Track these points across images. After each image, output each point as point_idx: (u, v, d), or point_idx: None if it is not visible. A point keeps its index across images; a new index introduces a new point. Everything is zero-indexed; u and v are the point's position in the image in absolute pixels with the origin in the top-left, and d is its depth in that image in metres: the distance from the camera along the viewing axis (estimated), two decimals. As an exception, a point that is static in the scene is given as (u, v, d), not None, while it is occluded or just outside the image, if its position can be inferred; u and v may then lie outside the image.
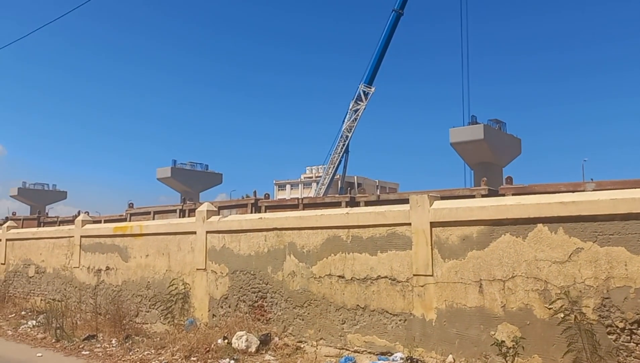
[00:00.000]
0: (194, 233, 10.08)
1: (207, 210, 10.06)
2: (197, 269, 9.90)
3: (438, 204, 7.10)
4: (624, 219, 5.53)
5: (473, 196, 9.08)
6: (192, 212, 13.72)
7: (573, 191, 6.68)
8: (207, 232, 9.85)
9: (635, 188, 6.15)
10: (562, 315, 5.72)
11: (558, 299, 5.80)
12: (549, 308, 5.89)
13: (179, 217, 14.91)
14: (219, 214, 10.28)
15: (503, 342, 6.01)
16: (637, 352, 5.34)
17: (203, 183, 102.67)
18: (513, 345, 5.91)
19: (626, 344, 5.41)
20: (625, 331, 5.43)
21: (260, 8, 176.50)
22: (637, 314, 5.36)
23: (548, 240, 6.01)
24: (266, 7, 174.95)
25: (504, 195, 8.60)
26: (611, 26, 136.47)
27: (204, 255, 9.81)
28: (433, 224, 6.99)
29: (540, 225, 6.08)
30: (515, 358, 5.91)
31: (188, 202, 17.58)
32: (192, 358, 7.94)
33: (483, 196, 9.04)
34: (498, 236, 6.40)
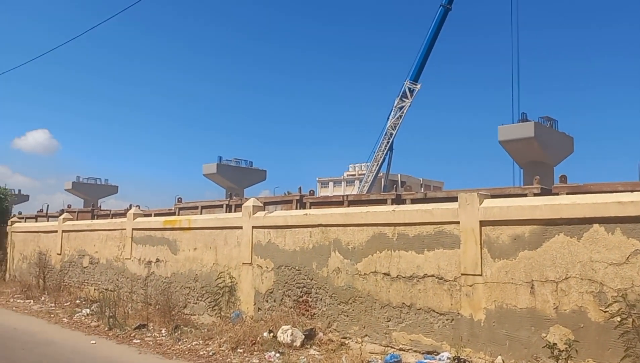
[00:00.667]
0: (240, 227, 10.22)
1: (253, 206, 10.19)
2: (243, 263, 10.04)
3: (488, 202, 6.96)
4: (687, 220, 5.28)
5: (525, 195, 8.85)
6: (238, 207, 13.92)
7: (631, 191, 6.41)
8: (253, 227, 9.96)
9: (700, 188, 5.86)
10: (618, 319, 5.52)
11: (614, 302, 5.60)
12: (605, 312, 5.69)
13: (226, 212, 15.14)
14: (264, 210, 10.39)
15: (555, 344, 5.85)
16: (701, 360, 5.10)
17: (247, 179, 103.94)
18: (566, 348, 5.74)
19: (688, 351, 5.17)
20: (688, 338, 5.19)
21: (303, 14, 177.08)
22: (701, 320, 5.11)
23: (604, 240, 5.80)
24: (309, 13, 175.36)
25: (557, 194, 8.34)
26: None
27: (250, 249, 9.93)
28: (483, 223, 6.85)
29: (596, 225, 5.88)
30: (568, 361, 5.73)
31: (234, 197, 17.84)
32: (239, 350, 8.07)
33: (535, 194, 8.79)
34: (551, 236, 6.22)
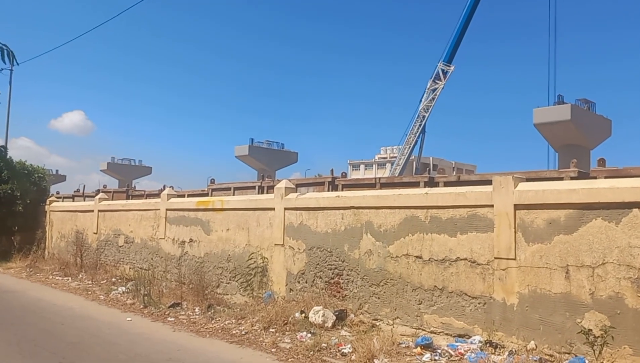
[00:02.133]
0: (273, 209, 10.30)
1: (285, 187, 10.24)
2: (275, 244, 10.14)
3: (523, 186, 6.84)
4: None
5: (561, 179, 8.66)
6: (270, 189, 14.01)
7: (674, 175, 6.22)
8: (285, 209, 10.03)
9: None
10: (657, 306, 5.38)
11: (653, 289, 5.47)
12: (643, 298, 5.56)
13: (258, 193, 15.25)
14: (296, 192, 10.44)
15: (590, 330, 5.76)
16: None
17: (279, 161, 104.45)
18: (602, 334, 5.64)
19: None
20: None
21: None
22: None
23: (644, 226, 5.64)
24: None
25: (595, 178, 8.14)
26: None
27: (282, 230, 10.01)
28: (517, 207, 6.75)
29: (635, 210, 5.73)
30: (604, 348, 5.64)
31: (266, 179, 17.96)
32: (271, 330, 8.19)
33: (572, 178, 8.58)
34: (588, 221, 6.09)
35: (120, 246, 15.20)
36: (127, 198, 20.31)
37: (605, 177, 7.81)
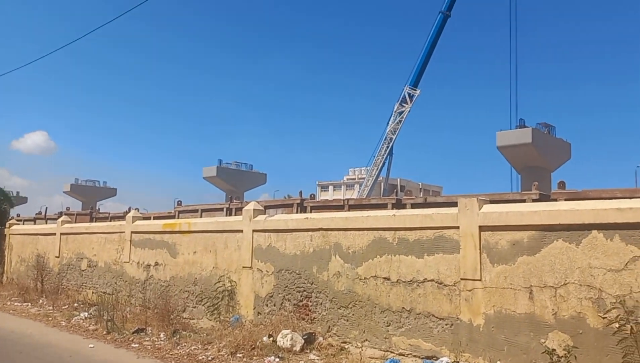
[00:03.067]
0: (241, 231, 10.24)
1: (254, 209, 10.20)
2: (243, 267, 10.05)
3: (487, 208, 6.99)
4: (686, 227, 5.31)
5: (524, 201, 8.89)
6: (238, 211, 13.94)
7: (630, 198, 6.45)
8: (254, 231, 9.98)
9: (698, 195, 5.89)
10: (617, 325, 5.53)
11: (613, 308, 5.62)
12: (604, 318, 5.71)
13: (226, 215, 15.15)
14: (265, 214, 10.41)
15: (554, 350, 5.87)
16: (699, 366, 5.12)
17: (247, 182, 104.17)
18: (565, 354, 5.75)
19: (686, 358, 5.20)
20: (686, 344, 5.21)
21: (305, 12, 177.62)
22: (699, 327, 5.13)
23: (603, 247, 5.83)
24: (312, 12, 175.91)
25: (556, 200, 8.38)
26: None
27: (250, 253, 9.95)
28: (482, 228, 6.88)
29: (595, 232, 5.90)
30: (567, 367, 5.75)
31: (234, 201, 17.85)
32: (238, 355, 8.07)
33: (534, 200, 8.83)
34: (550, 242, 6.25)
35: (83, 270, 14.82)
36: (91, 221, 19.90)
37: (566, 199, 8.06)
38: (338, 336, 8.32)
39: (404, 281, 7.60)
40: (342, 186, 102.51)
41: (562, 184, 9.31)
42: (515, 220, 6.58)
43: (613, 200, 6.18)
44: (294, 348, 8.02)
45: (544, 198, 9.29)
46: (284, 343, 8.10)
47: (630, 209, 5.66)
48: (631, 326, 5.44)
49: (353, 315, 8.18)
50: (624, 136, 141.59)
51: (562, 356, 5.79)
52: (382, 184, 64.26)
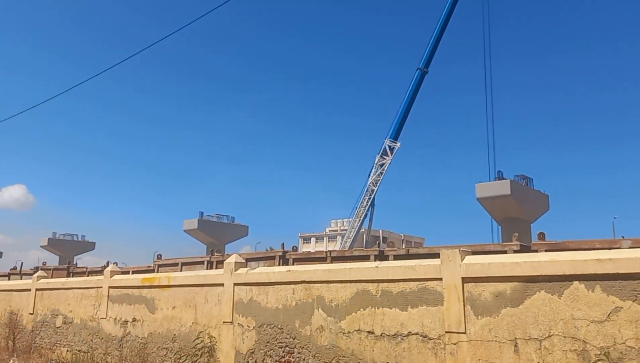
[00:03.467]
0: (222, 285, 10.07)
1: (235, 262, 10.08)
2: (224, 322, 9.83)
3: (469, 259, 7.00)
4: (664, 277, 5.37)
5: (505, 252, 8.94)
6: (219, 264, 13.76)
7: (609, 249, 6.54)
8: (235, 284, 9.83)
9: (674, 245, 5.99)
10: (603, 378, 5.49)
11: (598, 360, 5.59)
12: (589, 370, 5.66)
13: (207, 269, 14.93)
14: (246, 267, 10.28)
15: (541, 404, 5.78)
16: (686, 419, 5.07)
17: (229, 234, 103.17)
18: (552, 408, 5.67)
19: (673, 410, 5.15)
20: (672, 396, 5.17)
21: (280, 66, 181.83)
22: (684, 378, 5.12)
23: (585, 298, 5.84)
24: (286, 68, 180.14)
25: (537, 251, 8.45)
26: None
27: (231, 307, 9.76)
28: (465, 280, 6.87)
29: (576, 283, 5.93)
30: (555, 422, 5.65)
31: (215, 254, 17.64)
32: (218, 415, 7.79)
33: (515, 251, 8.89)
34: (533, 294, 6.25)
35: (57, 327, 14.34)
36: (68, 276, 19.43)
37: (546, 250, 8.13)
38: (321, 393, 8.10)
39: (388, 335, 7.49)
40: (325, 238, 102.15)
41: (542, 236, 9.40)
42: (497, 271, 6.60)
43: (592, 251, 6.26)
44: (276, 407, 7.77)
45: (524, 249, 9.36)
46: (265, 401, 7.85)
47: (610, 259, 5.72)
48: (617, 378, 5.41)
49: (337, 370, 7.99)
50: (602, 193, 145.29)
51: (549, 411, 5.69)
52: (364, 235, 64.27)
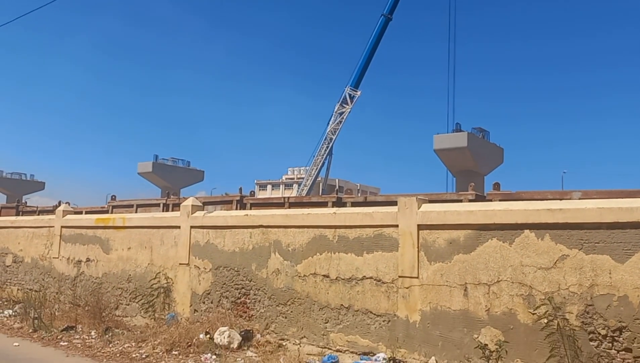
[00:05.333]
0: (178, 227, 9.99)
1: (192, 205, 9.98)
2: (180, 264, 9.82)
3: (426, 207, 7.14)
4: (609, 228, 5.62)
5: (460, 201, 9.17)
6: (175, 207, 13.62)
7: (560, 199, 6.77)
8: (192, 227, 9.77)
9: (621, 197, 6.25)
10: (545, 321, 5.79)
11: (542, 305, 5.87)
12: (533, 314, 5.96)
13: (163, 211, 14.76)
14: (203, 210, 10.21)
15: (486, 345, 6.08)
16: (619, 359, 5.43)
17: (184, 179, 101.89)
18: (496, 348, 5.97)
19: (608, 351, 5.50)
20: (607, 338, 5.51)
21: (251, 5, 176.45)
22: (620, 321, 5.45)
23: (534, 246, 6.08)
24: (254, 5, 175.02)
25: (491, 201, 8.69)
26: (600, 53, 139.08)
27: (188, 249, 9.73)
28: (420, 227, 7.02)
29: (527, 231, 6.15)
30: (498, 361, 5.96)
31: (172, 196, 17.43)
32: (174, 352, 7.87)
33: (470, 201, 9.12)
34: (485, 241, 6.45)
35: (7, 266, 14.03)
36: (17, 214, 18.88)
37: (500, 200, 8.35)
38: (276, 333, 8.28)
39: (343, 279, 7.65)
40: (281, 185, 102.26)
41: (497, 186, 9.66)
42: (452, 219, 6.76)
43: (544, 201, 6.47)
44: (232, 346, 7.91)
45: (479, 198, 9.61)
46: (221, 340, 7.97)
47: (560, 210, 5.94)
48: (558, 321, 5.71)
49: (292, 312, 8.16)
50: (553, 144, 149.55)
51: (493, 351, 6.01)
52: (320, 184, 64.55)
